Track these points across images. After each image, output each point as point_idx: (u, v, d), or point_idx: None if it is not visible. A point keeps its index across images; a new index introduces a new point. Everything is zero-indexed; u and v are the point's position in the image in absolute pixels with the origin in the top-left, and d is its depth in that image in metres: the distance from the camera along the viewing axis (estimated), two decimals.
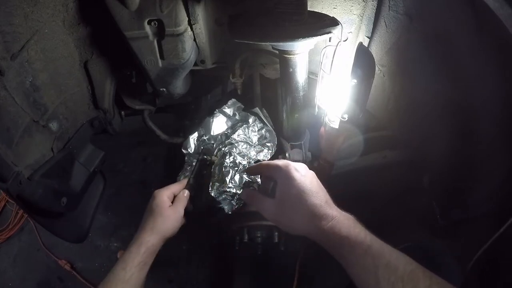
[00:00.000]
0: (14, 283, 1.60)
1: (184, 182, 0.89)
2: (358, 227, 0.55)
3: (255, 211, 0.96)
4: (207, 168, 0.95)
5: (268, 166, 0.69)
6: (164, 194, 0.82)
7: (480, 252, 0.73)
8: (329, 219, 0.56)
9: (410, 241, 0.75)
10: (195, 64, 0.96)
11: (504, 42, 0.60)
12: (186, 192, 0.86)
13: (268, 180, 0.71)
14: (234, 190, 0.88)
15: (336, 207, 0.60)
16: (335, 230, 0.55)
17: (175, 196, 0.85)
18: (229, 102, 1.03)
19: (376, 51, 0.91)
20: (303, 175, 0.62)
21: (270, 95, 1.12)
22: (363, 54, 0.68)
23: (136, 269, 0.71)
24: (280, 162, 0.66)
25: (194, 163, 0.95)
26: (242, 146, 0.95)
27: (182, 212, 0.83)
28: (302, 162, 1.03)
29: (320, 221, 0.56)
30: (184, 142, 1.02)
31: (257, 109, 1.00)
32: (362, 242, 0.52)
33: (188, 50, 0.85)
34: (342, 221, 0.56)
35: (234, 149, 0.93)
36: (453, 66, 0.76)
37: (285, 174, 0.62)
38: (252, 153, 0.95)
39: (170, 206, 0.82)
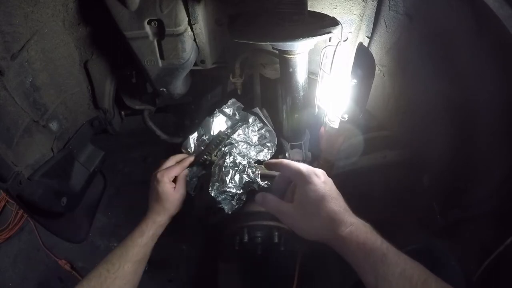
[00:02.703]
0: (14, 283, 1.60)
1: (184, 164, 0.95)
2: (374, 235, 0.56)
3: (255, 211, 0.96)
4: (207, 168, 0.95)
5: (289, 167, 0.68)
6: (167, 179, 0.90)
7: (486, 264, 0.72)
8: (347, 225, 0.56)
9: (410, 241, 0.75)
10: (195, 64, 0.96)
11: (504, 42, 0.60)
12: (186, 171, 0.95)
13: (284, 180, 0.73)
14: (234, 190, 0.88)
15: (353, 214, 0.60)
16: (353, 236, 0.55)
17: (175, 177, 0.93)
18: (229, 102, 1.03)
19: (376, 51, 0.91)
20: (323, 181, 0.63)
21: (270, 95, 1.12)
22: (363, 54, 0.68)
23: (150, 238, 0.85)
24: (302, 166, 0.66)
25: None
26: (242, 146, 0.95)
27: (184, 192, 0.93)
28: (302, 162, 1.03)
29: (338, 227, 0.56)
30: (184, 142, 1.02)
31: (257, 109, 1.00)
32: (378, 249, 0.53)
33: (188, 50, 0.85)
34: (360, 227, 0.56)
35: (234, 149, 0.93)
36: (453, 66, 0.76)
37: (306, 179, 0.62)
38: (252, 153, 0.94)
39: (174, 188, 0.91)
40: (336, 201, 0.60)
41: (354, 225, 0.56)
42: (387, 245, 0.54)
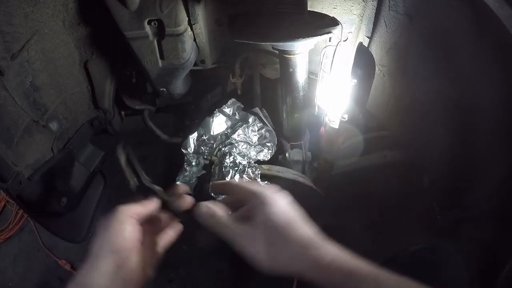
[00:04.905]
0: (14, 283, 1.60)
1: (149, 204, 0.58)
2: (356, 259, 0.48)
3: None
4: (206, 168, 0.95)
5: (243, 187, 0.56)
6: (128, 213, 0.55)
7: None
8: (328, 250, 0.48)
9: (411, 241, 0.75)
10: (195, 64, 0.96)
11: (504, 42, 0.60)
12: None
13: (229, 204, 0.57)
14: None
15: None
16: (337, 263, 0.47)
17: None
18: (229, 102, 1.03)
19: (376, 51, 0.91)
20: (288, 202, 0.53)
21: (270, 95, 1.12)
22: (363, 54, 0.68)
23: None
24: (259, 186, 0.55)
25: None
26: (242, 146, 0.95)
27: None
28: (302, 162, 1.03)
29: (316, 253, 0.48)
30: (184, 142, 1.02)
31: (257, 109, 1.00)
32: (368, 275, 0.46)
33: (188, 50, 0.85)
34: (340, 253, 0.48)
35: (234, 149, 0.93)
36: (453, 66, 0.76)
37: (269, 200, 0.52)
38: (252, 153, 0.95)
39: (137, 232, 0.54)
40: (307, 224, 0.51)
41: (335, 251, 0.48)
42: (373, 267, 0.47)
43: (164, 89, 0.96)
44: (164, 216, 0.61)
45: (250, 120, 0.99)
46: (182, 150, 1.02)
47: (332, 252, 0.48)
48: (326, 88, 0.81)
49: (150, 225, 0.59)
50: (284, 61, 0.79)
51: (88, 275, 0.49)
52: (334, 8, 0.85)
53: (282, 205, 0.52)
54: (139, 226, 0.54)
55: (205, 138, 1.01)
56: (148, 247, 0.57)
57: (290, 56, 0.77)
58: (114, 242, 0.51)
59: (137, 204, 0.57)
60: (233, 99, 1.04)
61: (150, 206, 0.58)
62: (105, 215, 0.55)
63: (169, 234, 0.62)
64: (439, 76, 0.81)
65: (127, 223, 0.53)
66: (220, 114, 1.02)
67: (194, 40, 0.88)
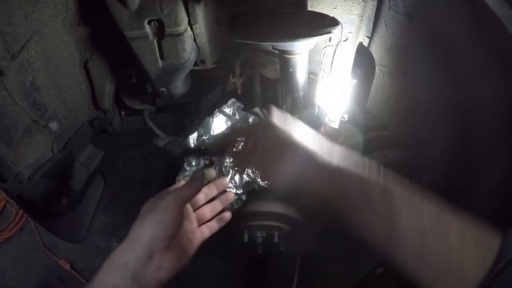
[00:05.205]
0: (14, 283, 1.61)
1: (195, 184, 0.56)
2: (365, 166, 0.47)
3: (255, 211, 0.96)
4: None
5: (244, 129, 0.61)
6: (174, 199, 0.54)
7: None
8: (336, 159, 0.47)
9: None
10: (195, 64, 0.96)
11: (504, 42, 0.60)
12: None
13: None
14: (234, 190, 0.88)
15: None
16: (346, 167, 0.45)
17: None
18: (229, 102, 1.03)
19: (376, 51, 0.91)
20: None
21: (270, 95, 1.12)
22: (363, 54, 0.68)
23: None
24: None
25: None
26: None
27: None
28: None
29: (325, 159, 0.47)
30: (184, 142, 1.02)
31: (257, 109, 1.00)
32: (377, 184, 0.44)
33: (188, 50, 0.85)
34: (349, 161, 0.47)
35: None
36: (453, 66, 0.76)
37: (272, 124, 0.55)
38: None
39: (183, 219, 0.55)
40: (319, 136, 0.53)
41: (343, 160, 0.47)
42: (384, 178, 0.45)
43: (164, 89, 0.96)
44: (214, 203, 0.66)
45: (250, 120, 0.99)
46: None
47: (341, 160, 0.47)
48: (326, 88, 0.81)
49: (195, 211, 0.62)
50: (284, 61, 0.80)
51: (125, 254, 0.50)
52: (334, 8, 0.85)
53: (283, 128, 0.53)
54: (183, 214, 0.55)
55: (205, 138, 1.01)
56: (188, 236, 0.58)
57: (290, 56, 0.77)
58: (155, 230, 0.51)
59: (184, 188, 0.56)
60: (233, 99, 1.04)
61: (196, 189, 0.56)
62: (152, 198, 0.56)
63: (212, 225, 0.63)
64: (439, 76, 0.80)
65: (171, 214, 0.53)
66: (220, 114, 1.02)
67: (194, 40, 0.88)
